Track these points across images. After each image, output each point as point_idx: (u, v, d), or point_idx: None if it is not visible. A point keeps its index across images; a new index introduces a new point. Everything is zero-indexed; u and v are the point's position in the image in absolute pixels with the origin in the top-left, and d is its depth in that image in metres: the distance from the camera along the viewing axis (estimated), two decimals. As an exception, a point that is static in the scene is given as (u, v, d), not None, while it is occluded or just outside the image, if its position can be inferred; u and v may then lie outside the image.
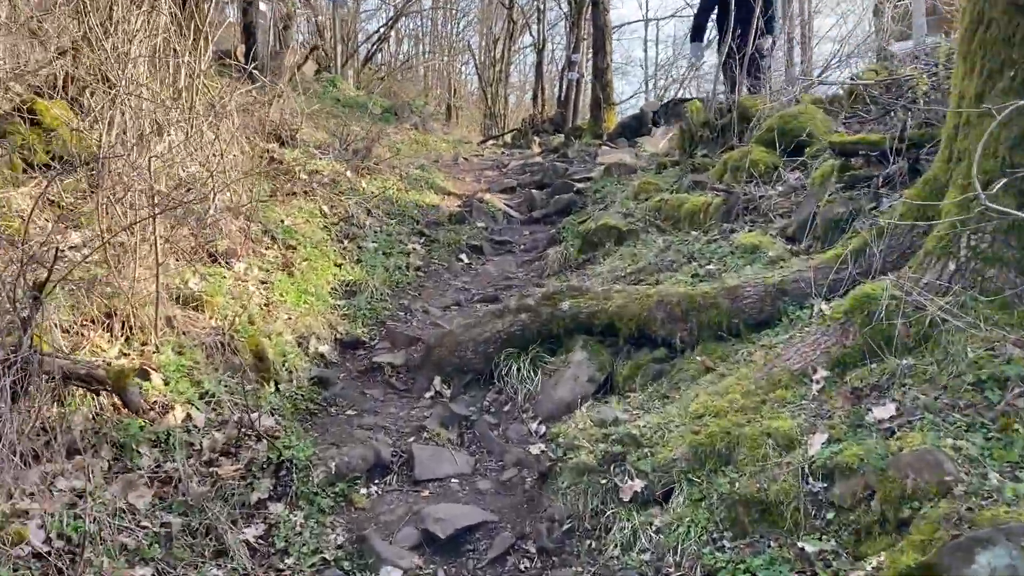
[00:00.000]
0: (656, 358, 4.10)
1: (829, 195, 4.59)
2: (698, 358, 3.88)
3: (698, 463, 3.08)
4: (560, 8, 22.68)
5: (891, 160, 4.51)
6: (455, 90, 34.80)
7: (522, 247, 7.47)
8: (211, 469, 3.37)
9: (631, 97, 20.59)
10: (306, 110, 10.53)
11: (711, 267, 4.66)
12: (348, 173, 8.03)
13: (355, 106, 15.68)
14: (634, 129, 11.90)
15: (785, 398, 3.21)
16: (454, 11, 33.01)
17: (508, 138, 21.22)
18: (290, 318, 4.77)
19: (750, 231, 4.88)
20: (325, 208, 6.84)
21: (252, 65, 14.03)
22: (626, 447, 3.27)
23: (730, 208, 5.15)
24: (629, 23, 34.74)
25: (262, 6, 14.50)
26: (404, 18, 30.72)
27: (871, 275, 3.60)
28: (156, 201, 4.53)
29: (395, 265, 6.30)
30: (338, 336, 5.00)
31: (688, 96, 16.59)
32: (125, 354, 3.72)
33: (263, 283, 5.01)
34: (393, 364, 4.73)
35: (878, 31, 7.69)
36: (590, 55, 25.21)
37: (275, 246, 5.56)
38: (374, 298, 5.58)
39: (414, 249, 6.97)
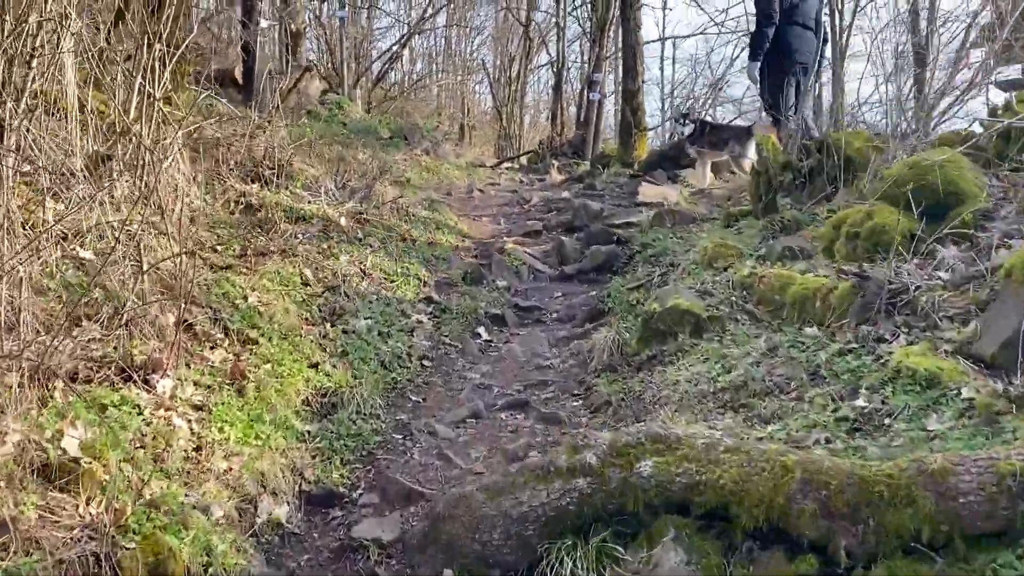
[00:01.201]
0: (802, 574, 2.46)
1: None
2: (885, 592, 2.25)
3: None
4: (580, 25, 21.11)
5: None
6: (469, 109, 33.29)
7: (554, 315, 5.82)
8: None
9: (659, 125, 18.81)
10: (299, 140, 8.96)
11: (860, 402, 3.01)
12: (343, 221, 6.41)
13: (362, 131, 14.11)
14: (673, 159, 10.22)
15: None
16: (468, 29, 31.53)
17: (524, 160, 19.64)
18: (231, 469, 3.13)
19: (909, 342, 3.22)
20: (307, 272, 5.21)
21: (250, 87, 12.44)
22: None
23: (868, 301, 3.49)
24: (647, 42, 33.06)
25: (262, 22, 12.93)
26: (417, 36, 29.28)
27: None
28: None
29: (393, 353, 4.66)
30: (304, 487, 3.36)
31: (709, 118, 14.79)
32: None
33: (198, 409, 3.38)
34: (381, 541, 3.08)
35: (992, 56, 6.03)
36: (611, 74, 23.65)
37: (226, 342, 3.93)
38: (361, 413, 3.93)
39: (419, 323, 5.33)
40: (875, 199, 4.27)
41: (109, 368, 3.33)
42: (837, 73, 14.10)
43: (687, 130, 9.41)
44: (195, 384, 3.50)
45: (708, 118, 16.34)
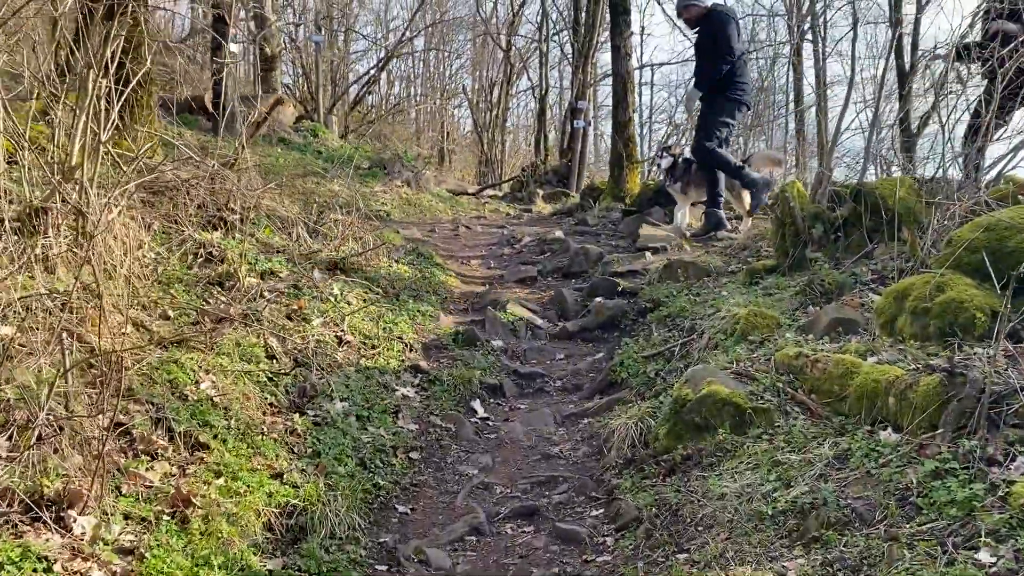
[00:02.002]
0: None
1: None
2: None
3: None
4: (562, 51, 20.55)
5: None
6: (448, 133, 32.71)
7: (558, 383, 5.10)
8: None
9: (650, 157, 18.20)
10: (271, 175, 8.23)
11: (984, 557, 2.31)
12: (316, 273, 5.67)
13: (339, 160, 13.38)
14: (668, 195, 9.56)
15: None
16: (447, 53, 30.97)
17: (506, 187, 19.00)
18: (164, 645, 2.37)
19: (1033, 469, 2.53)
20: (274, 342, 4.46)
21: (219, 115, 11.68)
22: None
23: (965, 407, 2.80)
24: (606, 75, 32.61)
25: (232, 47, 12.19)
26: (395, 60, 28.67)
27: None
28: None
29: (374, 446, 3.90)
30: (265, 657, 2.60)
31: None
32: None
33: (127, 554, 2.61)
34: None
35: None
36: (599, 100, 23.12)
37: (170, 450, 3.17)
38: (336, 538, 3.17)
39: (405, 398, 4.59)
40: (947, 267, 3.59)
41: (11, 504, 2.57)
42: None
43: (664, 163, 8.65)
44: (126, 518, 2.74)
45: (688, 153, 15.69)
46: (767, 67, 26.19)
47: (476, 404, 4.75)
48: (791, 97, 23.70)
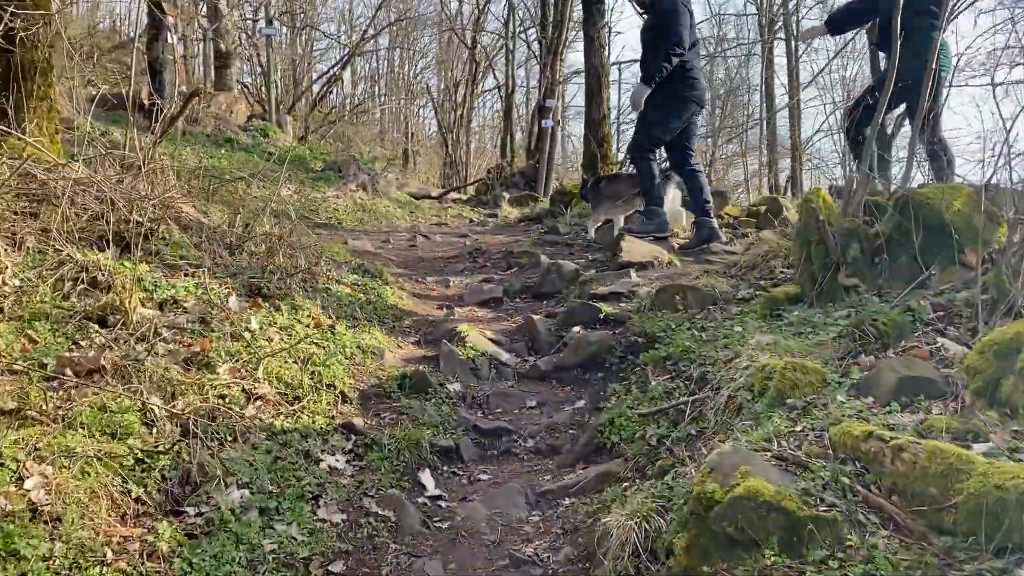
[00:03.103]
0: None
1: None
2: None
3: None
4: (530, 48, 19.45)
5: None
6: (412, 134, 31.50)
7: (530, 444, 3.98)
8: None
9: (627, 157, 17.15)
10: (203, 177, 7.08)
11: None
12: (232, 302, 4.51)
13: (291, 162, 12.16)
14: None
15: None
16: (412, 52, 29.77)
17: (471, 190, 17.88)
18: None
19: None
20: (156, 402, 3.29)
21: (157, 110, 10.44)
22: None
23: None
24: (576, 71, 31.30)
25: (170, 38, 10.94)
26: (359, 58, 27.41)
27: None
28: None
29: (280, 558, 2.76)
30: None
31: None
32: None
33: None
34: None
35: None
36: (567, 100, 22.10)
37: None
38: None
39: (331, 472, 3.45)
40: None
41: None
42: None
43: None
44: None
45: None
46: (739, 66, 25.35)
47: (425, 476, 3.63)
48: (763, 97, 22.83)
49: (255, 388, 3.85)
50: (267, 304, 4.71)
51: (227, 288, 4.68)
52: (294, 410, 3.79)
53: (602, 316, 5.04)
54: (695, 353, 3.87)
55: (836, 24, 6.41)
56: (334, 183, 11.44)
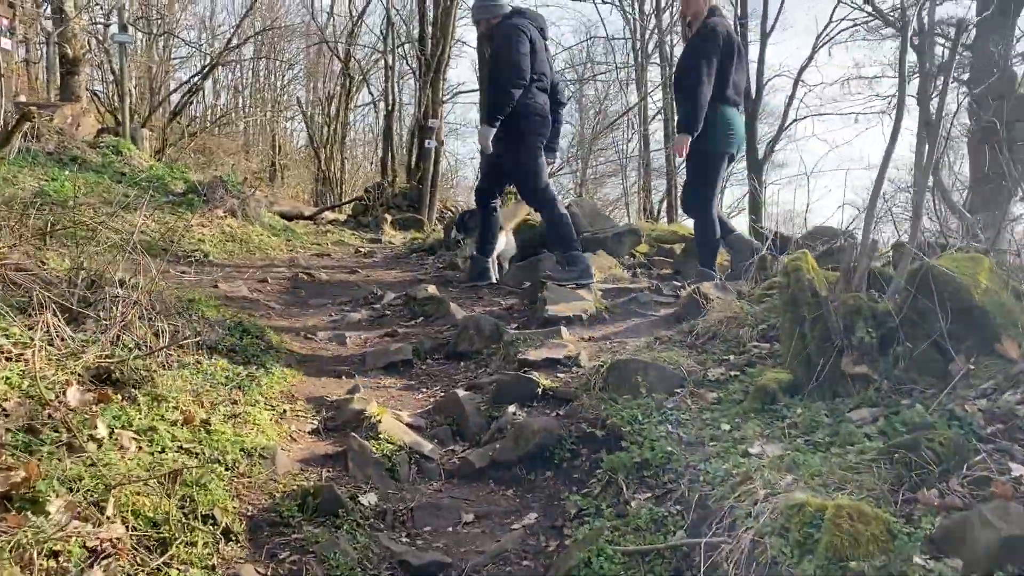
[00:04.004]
0: None
1: None
2: None
3: None
4: (409, 65, 18.46)
5: None
6: (280, 147, 29.81)
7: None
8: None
9: None
10: (35, 209, 5.84)
11: None
12: (70, 395, 3.35)
13: (148, 184, 10.70)
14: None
15: None
16: (279, 62, 28.14)
17: (348, 209, 16.72)
18: None
19: None
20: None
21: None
22: None
23: None
24: (470, 90, 30.63)
25: (3, 42, 9.34)
26: (221, 68, 25.58)
27: None
28: None
29: None
30: None
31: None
32: None
33: None
34: None
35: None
36: (453, 119, 21.18)
37: None
38: None
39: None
40: None
41: None
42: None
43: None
44: None
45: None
46: (608, 89, 25.19)
47: (346, 653, 2.64)
48: (640, 118, 22.71)
49: (102, 532, 2.75)
50: (119, 395, 3.58)
51: (65, 375, 3.52)
52: (157, 567, 2.71)
53: (540, 390, 4.18)
54: (680, 462, 3.06)
55: (690, 127, 6.00)
56: (198, 208, 10.09)
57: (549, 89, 6.30)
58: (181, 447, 3.40)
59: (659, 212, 21.81)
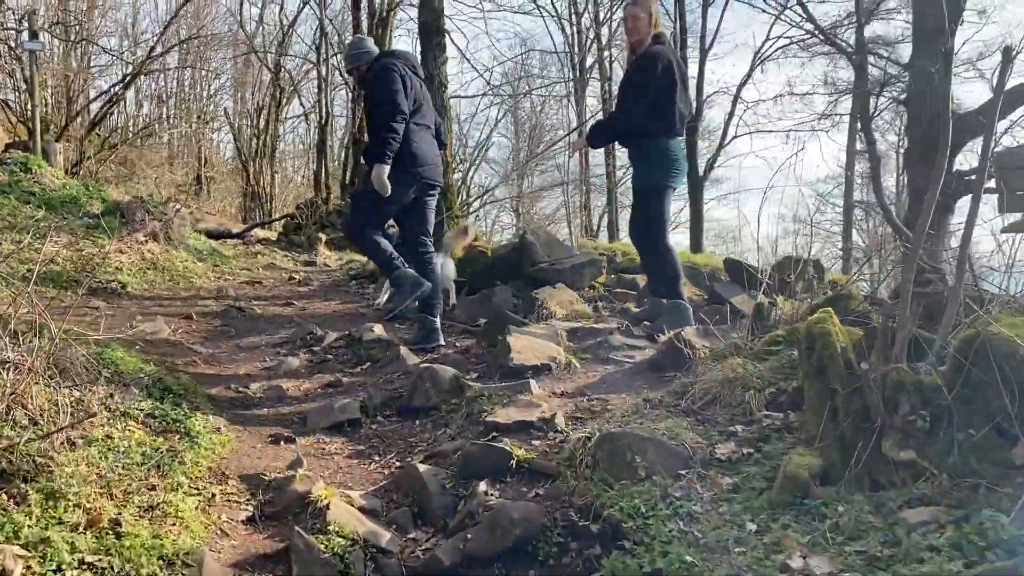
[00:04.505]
0: None
1: None
2: None
3: None
4: (343, 77, 17.67)
5: None
6: (206, 159, 28.54)
7: None
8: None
9: (477, 210, 14.89)
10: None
11: None
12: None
13: (62, 204, 9.77)
14: (513, 265, 7.16)
15: None
16: (205, 72, 26.95)
17: (279, 226, 15.88)
18: None
19: None
20: None
21: None
22: None
23: None
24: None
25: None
26: (144, 77, 24.30)
27: None
28: None
29: None
30: None
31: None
32: None
33: None
34: None
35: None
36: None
37: None
38: None
39: None
40: None
41: None
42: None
43: None
44: None
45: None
46: (543, 104, 24.80)
47: None
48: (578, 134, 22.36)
49: None
50: (6, 493, 2.86)
51: (-69, 472, 2.79)
52: None
53: (514, 463, 3.59)
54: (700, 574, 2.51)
55: (592, 141, 6.07)
56: (116, 231, 9.20)
57: (432, 127, 5.85)
58: (83, 561, 2.71)
59: (599, 228, 21.51)
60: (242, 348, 5.93)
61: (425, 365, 4.74)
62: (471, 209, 16.09)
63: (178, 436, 3.90)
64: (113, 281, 7.74)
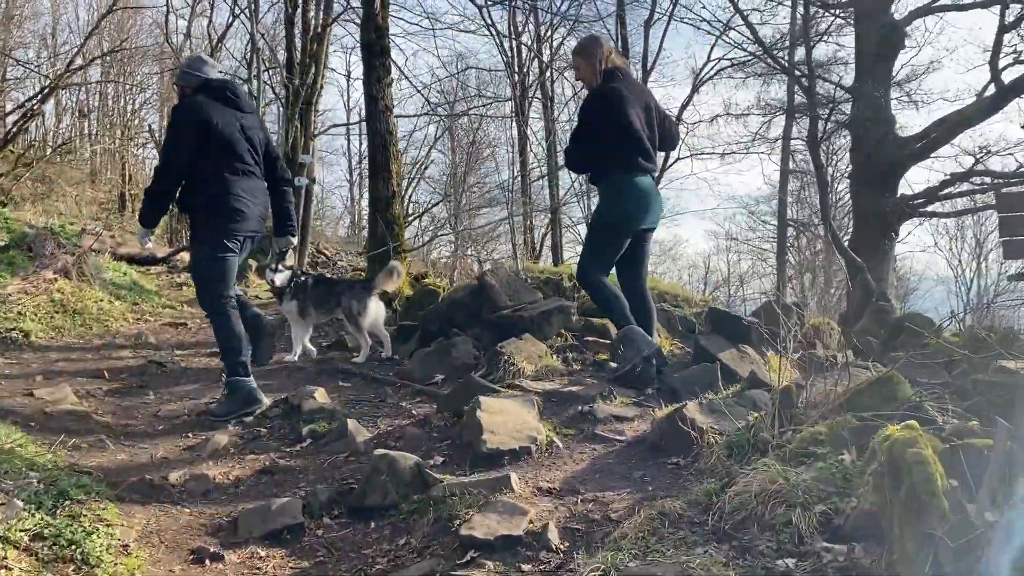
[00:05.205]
0: None
1: None
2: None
3: None
4: (275, 93, 16.63)
5: None
6: (131, 176, 26.97)
7: None
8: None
9: (424, 244, 13.53)
10: None
11: None
12: None
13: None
14: (471, 310, 6.38)
15: None
16: (129, 86, 25.49)
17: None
18: None
19: None
20: None
21: None
22: None
23: None
24: (337, 124, 28.69)
25: None
26: (64, 90, 22.79)
27: None
28: None
29: None
30: None
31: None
32: None
33: None
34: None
35: None
36: (325, 153, 19.44)
37: None
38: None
39: None
40: None
41: None
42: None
43: (278, 278, 6.43)
44: None
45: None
46: (479, 121, 24.07)
47: None
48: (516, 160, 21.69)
49: None
50: None
51: None
52: None
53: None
54: None
55: (567, 166, 6.09)
56: (21, 268, 8.12)
57: (261, 165, 5.10)
58: None
59: (541, 248, 20.87)
60: (161, 418, 5.02)
61: (381, 452, 3.91)
62: (422, 242, 15.28)
63: (73, 567, 3.02)
64: (14, 329, 6.70)
